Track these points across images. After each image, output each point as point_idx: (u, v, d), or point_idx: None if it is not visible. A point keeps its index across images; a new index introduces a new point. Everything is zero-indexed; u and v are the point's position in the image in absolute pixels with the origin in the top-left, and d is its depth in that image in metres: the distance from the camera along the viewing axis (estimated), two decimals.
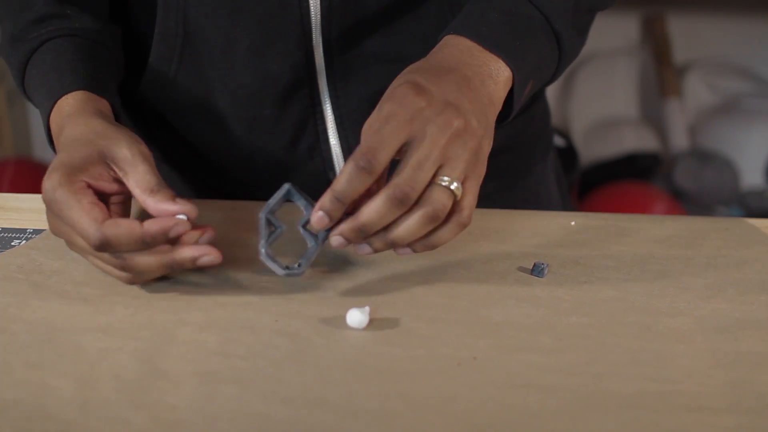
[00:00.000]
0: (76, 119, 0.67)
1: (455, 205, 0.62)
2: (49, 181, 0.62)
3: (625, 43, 2.44)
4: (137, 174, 0.63)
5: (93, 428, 0.51)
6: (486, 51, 0.66)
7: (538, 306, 0.64)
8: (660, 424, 0.52)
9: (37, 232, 0.74)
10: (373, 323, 0.62)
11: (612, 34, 2.41)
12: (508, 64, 0.67)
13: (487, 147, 0.64)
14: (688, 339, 0.61)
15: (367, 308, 0.62)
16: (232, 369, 0.56)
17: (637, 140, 2.31)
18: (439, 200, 0.60)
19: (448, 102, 0.61)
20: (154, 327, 0.60)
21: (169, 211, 0.62)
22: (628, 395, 0.55)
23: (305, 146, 0.81)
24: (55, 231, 0.64)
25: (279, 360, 0.57)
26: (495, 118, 0.66)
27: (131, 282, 0.65)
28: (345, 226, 0.61)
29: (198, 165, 0.87)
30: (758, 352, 0.60)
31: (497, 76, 0.66)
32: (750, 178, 2.30)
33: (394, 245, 0.62)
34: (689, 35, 2.39)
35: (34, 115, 2.46)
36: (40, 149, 2.46)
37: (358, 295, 0.65)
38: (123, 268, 0.62)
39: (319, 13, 0.74)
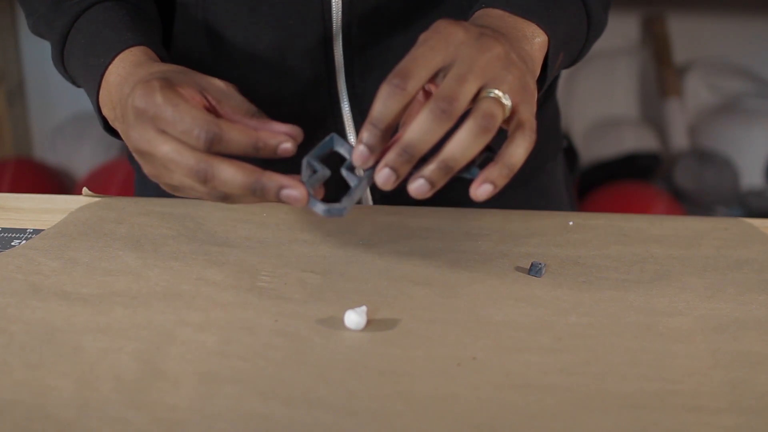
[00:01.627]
0: (150, 64, 0.66)
1: (514, 121, 0.58)
2: (144, 88, 0.59)
3: (625, 43, 2.44)
4: (235, 101, 0.62)
5: (92, 428, 0.51)
6: (519, 18, 0.65)
7: (537, 306, 0.64)
8: (659, 423, 0.52)
9: (36, 232, 0.74)
10: (372, 323, 0.62)
11: (612, 34, 2.39)
12: (542, 28, 0.65)
13: (532, 83, 0.61)
14: (688, 339, 0.61)
15: (364, 308, 0.62)
16: (231, 369, 0.56)
17: (637, 140, 2.30)
18: (488, 109, 0.56)
19: (484, 33, 0.59)
20: (154, 327, 0.60)
21: (278, 129, 0.60)
22: (627, 395, 0.55)
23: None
24: (138, 142, 0.61)
25: (278, 360, 0.57)
26: (535, 77, 0.64)
27: (220, 202, 0.62)
28: (389, 154, 0.57)
29: None
30: (757, 351, 0.60)
31: (532, 38, 0.65)
32: (750, 178, 2.30)
33: (449, 168, 0.58)
34: (689, 35, 2.39)
35: (34, 115, 2.46)
36: (40, 149, 2.46)
37: (357, 295, 0.65)
38: (206, 181, 0.59)
39: (340, 10, 0.74)
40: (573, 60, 0.75)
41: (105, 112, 0.70)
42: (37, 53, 2.39)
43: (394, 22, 0.77)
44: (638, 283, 0.68)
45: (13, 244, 0.73)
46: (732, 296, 0.66)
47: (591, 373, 0.57)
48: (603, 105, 2.41)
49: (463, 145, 0.57)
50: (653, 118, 2.40)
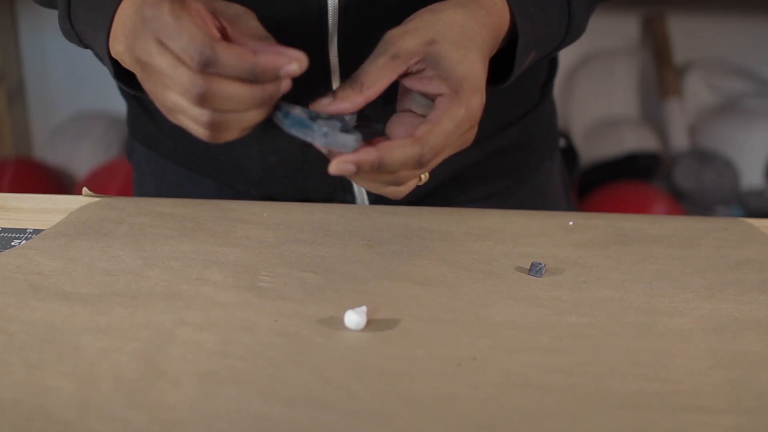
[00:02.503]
0: None
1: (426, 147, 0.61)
2: None
3: (625, 43, 2.44)
4: (248, 25, 0.60)
5: (92, 428, 0.51)
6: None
7: (537, 306, 0.64)
8: (659, 423, 0.52)
9: (36, 231, 0.74)
10: (372, 323, 0.62)
11: (612, 34, 2.41)
12: (516, 24, 0.66)
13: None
14: (688, 339, 0.61)
15: (364, 308, 0.62)
16: (231, 369, 0.56)
17: (637, 140, 2.30)
18: (407, 177, 0.61)
19: (476, 119, 0.62)
20: (154, 327, 0.60)
21: (285, 53, 0.58)
22: (627, 395, 0.55)
23: None
24: (139, 51, 0.60)
25: (278, 360, 0.57)
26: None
27: (212, 137, 0.61)
28: (366, 157, 0.59)
29: (210, 164, 0.87)
30: (757, 351, 0.60)
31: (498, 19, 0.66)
32: (750, 178, 2.30)
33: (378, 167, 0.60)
34: (689, 35, 2.39)
35: (34, 115, 2.46)
36: (40, 149, 2.46)
37: (357, 295, 0.65)
38: (204, 100, 0.58)
39: (336, 13, 0.74)
40: (543, 57, 0.75)
41: (116, 48, 0.68)
42: (37, 53, 2.39)
43: (390, 24, 0.77)
44: (638, 283, 0.68)
45: (13, 244, 0.73)
46: (732, 296, 0.66)
47: (591, 373, 0.57)
48: (603, 105, 2.41)
49: (394, 161, 0.59)
50: (653, 118, 2.40)
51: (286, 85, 0.60)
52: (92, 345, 0.58)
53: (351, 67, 0.77)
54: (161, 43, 0.58)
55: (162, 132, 0.88)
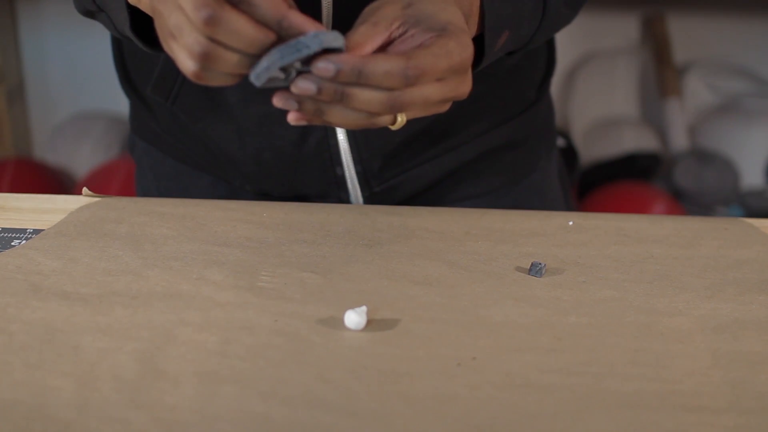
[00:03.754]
0: None
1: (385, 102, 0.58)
2: None
3: (625, 43, 2.44)
4: None
5: (92, 428, 0.51)
6: None
7: (537, 306, 0.64)
8: (659, 423, 0.52)
9: (36, 232, 0.74)
10: (372, 323, 0.62)
11: (612, 34, 2.41)
12: (482, 2, 0.65)
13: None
14: (687, 339, 0.61)
15: (364, 308, 0.62)
16: (231, 369, 0.56)
17: (637, 140, 2.30)
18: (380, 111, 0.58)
19: (468, 61, 0.60)
20: (154, 327, 0.60)
21: (313, 23, 0.58)
22: (627, 395, 0.55)
23: (313, 141, 0.81)
24: None
25: (278, 360, 0.57)
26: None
27: (196, 73, 0.59)
28: (348, 59, 0.57)
29: (207, 159, 0.87)
30: (757, 351, 0.60)
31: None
32: (750, 178, 2.30)
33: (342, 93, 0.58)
34: (689, 35, 2.39)
35: (34, 115, 2.46)
36: (40, 149, 2.46)
37: (356, 295, 0.65)
38: (209, 25, 0.56)
39: (331, 11, 0.74)
40: (523, 44, 0.74)
41: None
42: (37, 53, 2.39)
43: None
44: (638, 283, 0.68)
45: (13, 244, 0.73)
46: (732, 296, 0.66)
47: (591, 373, 0.57)
48: (603, 105, 2.42)
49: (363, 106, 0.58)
50: (653, 118, 2.41)
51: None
52: (92, 345, 0.58)
53: None
54: None
55: (161, 128, 0.89)
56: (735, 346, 0.60)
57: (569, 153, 2.02)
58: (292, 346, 0.59)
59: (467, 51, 0.60)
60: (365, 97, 0.58)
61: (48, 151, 2.37)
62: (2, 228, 0.76)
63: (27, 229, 0.75)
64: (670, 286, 0.68)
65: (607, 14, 2.32)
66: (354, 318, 0.61)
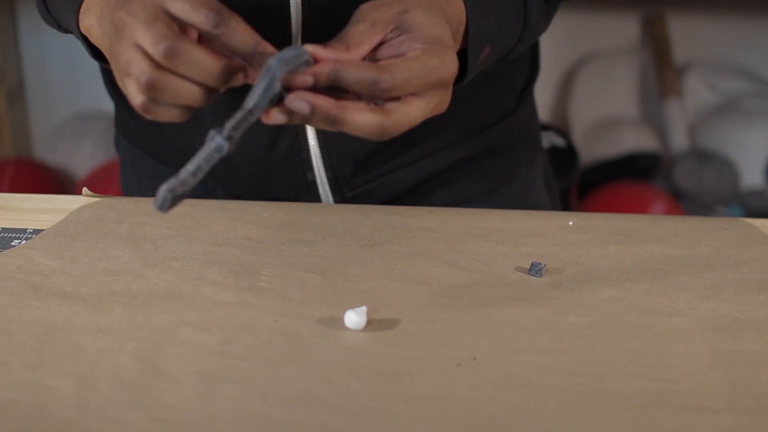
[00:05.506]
0: None
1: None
2: None
3: (625, 43, 2.44)
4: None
5: (92, 428, 0.51)
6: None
7: (537, 306, 0.64)
8: (659, 423, 0.52)
9: (36, 232, 0.74)
10: (372, 324, 0.62)
11: (612, 34, 2.41)
12: (467, 16, 0.66)
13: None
14: (688, 339, 0.61)
15: (364, 308, 0.62)
16: (231, 369, 0.56)
17: (637, 140, 2.30)
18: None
19: (450, 79, 0.61)
20: (153, 327, 0.60)
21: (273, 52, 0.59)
22: (627, 395, 0.55)
23: (284, 147, 0.81)
24: (119, 8, 0.59)
25: (278, 360, 0.57)
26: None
27: (143, 105, 0.60)
28: (330, 55, 0.58)
29: (181, 161, 0.87)
30: (757, 351, 0.60)
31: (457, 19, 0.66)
32: (750, 178, 2.30)
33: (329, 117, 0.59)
34: (689, 35, 2.39)
35: (34, 115, 2.46)
36: (40, 149, 2.46)
37: (356, 295, 0.65)
38: (168, 57, 0.57)
39: (300, 21, 0.75)
40: (503, 56, 0.75)
41: (86, 21, 0.68)
42: (37, 53, 2.39)
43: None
44: (638, 283, 0.68)
45: (13, 244, 0.73)
46: (732, 296, 0.66)
47: (591, 373, 0.57)
48: (603, 105, 2.41)
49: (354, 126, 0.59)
50: (653, 118, 2.40)
51: (241, 78, 0.60)
52: (92, 345, 0.58)
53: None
54: (149, 3, 0.59)
55: (139, 127, 0.90)
56: (735, 346, 0.60)
57: (569, 153, 2.02)
58: (292, 346, 0.59)
59: (450, 69, 0.61)
60: (356, 125, 0.59)
61: (48, 151, 2.37)
62: (2, 228, 0.76)
63: (27, 229, 0.75)
64: (670, 286, 0.68)
65: (607, 14, 2.32)
66: (354, 318, 0.61)
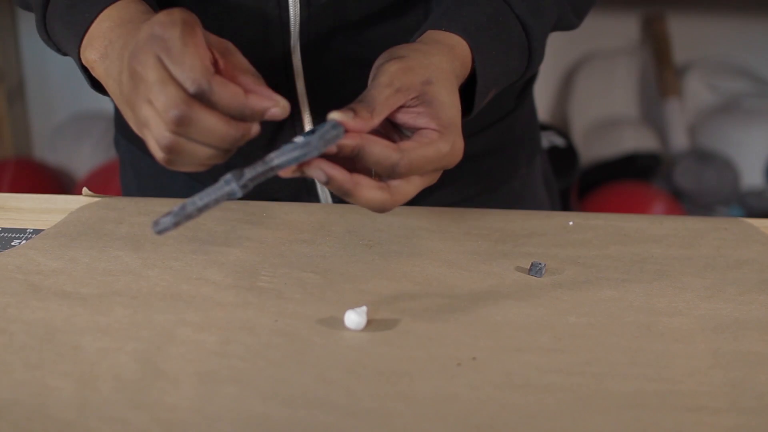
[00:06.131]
0: (147, 16, 0.64)
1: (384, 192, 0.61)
2: (168, 16, 0.58)
3: (625, 43, 2.44)
4: (238, 59, 0.61)
5: (92, 428, 0.51)
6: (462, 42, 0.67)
7: (537, 306, 0.64)
8: (659, 423, 0.52)
9: (36, 232, 0.74)
10: (372, 324, 0.62)
11: (612, 34, 2.41)
12: (474, 65, 0.67)
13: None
14: (688, 339, 0.61)
15: (364, 308, 0.62)
16: (231, 369, 0.56)
17: (637, 140, 2.30)
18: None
19: (455, 161, 0.63)
20: (153, 327, 0.60)
21: (272, 97, 0.60)
22: (627, 395, 0.55)
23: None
24: (135, 61, 0.59)
25: (278, 360, 0.57)
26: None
27: (165, 161, 0.61)
28: (358, 126, 0.59)
29: None
30: (757, 351, 0.60)
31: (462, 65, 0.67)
32: (750, 178, 2.30)
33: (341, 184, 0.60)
34: (689, 35, 2.39)
35: (34, 115, 2.45)
36: (40, 149, 2.46)
37: (356, 295, 0.65)
38: (180, 124, 0.58)
39: (298, 22, 0.75)
40: (505, 87, 0.76)
41: (88, 56, 0.68)
42: (37, 53, 2.39)
43: (352, 33, 0.78)
44: (638, 283, 0.68)
45: (13, 244, 0.73)
46: (732, 296, 0.66)
47: (591, 373, 0.57)
48: (603, 105, 2.41)
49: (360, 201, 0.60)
50: (653, 118, 2.40)
51: (256, 130, 0.61)
52: (92, 345, 0.58)
53: (314, 72, 0.78)
54: (160, 60, 0.59)
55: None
56: (735, 346, 0.60)
57: (569, 153, 2.02)
58: (292, 346, 0.59)
59: (457, 157, 0.63)
60: (364, 201, 0.60)
61: (48, 151, 2.37)
62: (2, 228, 0.76)
63: (27, 229, 0.75)
64: (670, 286, 0.68)
65: (607, 14, 2.32)
66: (354, 318, 0.61)
